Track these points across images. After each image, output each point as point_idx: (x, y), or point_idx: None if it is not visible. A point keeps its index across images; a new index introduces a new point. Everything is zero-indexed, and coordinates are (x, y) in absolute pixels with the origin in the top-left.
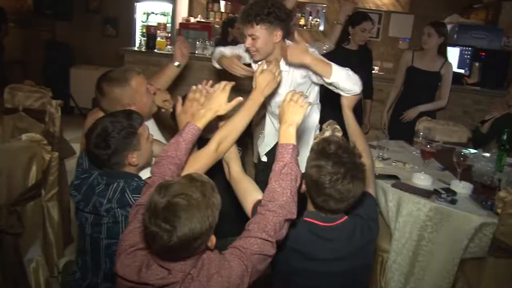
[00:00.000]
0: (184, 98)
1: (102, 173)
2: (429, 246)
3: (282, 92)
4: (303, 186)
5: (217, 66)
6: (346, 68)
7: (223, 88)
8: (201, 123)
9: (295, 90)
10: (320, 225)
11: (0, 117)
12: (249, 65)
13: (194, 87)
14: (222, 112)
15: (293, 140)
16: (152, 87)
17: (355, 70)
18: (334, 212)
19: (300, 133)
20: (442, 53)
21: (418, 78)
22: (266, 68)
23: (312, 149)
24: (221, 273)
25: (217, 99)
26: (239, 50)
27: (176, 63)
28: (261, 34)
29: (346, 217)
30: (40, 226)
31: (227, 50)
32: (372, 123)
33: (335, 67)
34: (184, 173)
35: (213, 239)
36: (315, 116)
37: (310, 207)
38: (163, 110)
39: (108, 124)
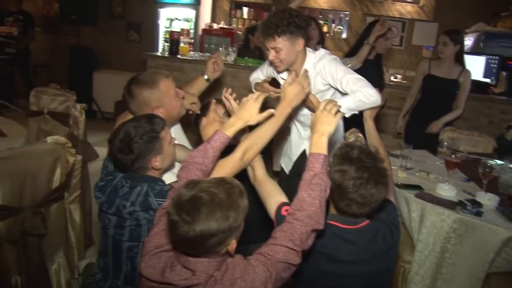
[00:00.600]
0: (203, 109)
1: (126, 176)
2: (453, 258)
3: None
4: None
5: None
6: (356, 91)
7: (256, 99)
8: (230, 131)
9: (328, 100)
10: (343, 228)
11: (25, 120)
12: (273, 80)
13: (214, 100)
14: (252, 122)
15: (324, 150)
16: (181, 91)
17: (374, 78)
18: (356, 216)
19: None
20: (460, 61)
21: (436, 86)
22: (295, 79)
23: (335, 154)
24: (244, 278)
25: (249, 109)
26: (268, 68)
27: (206, 77)
28: (284, 46)
29: (368, 220)
30: (63, 228)
31: (260, 74)
32: (391, 131)
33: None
34: None
35: (233, 244)
36: (340, 127)
37: (332, 210)
38: (190, 112)
39: (131, 129)
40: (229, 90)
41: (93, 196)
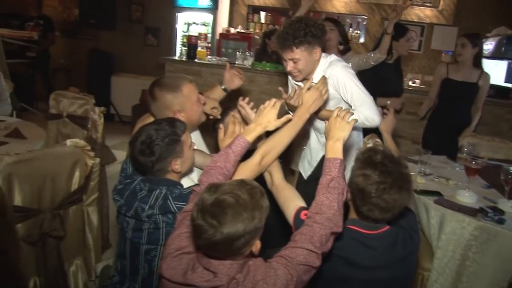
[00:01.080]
0: (222, 114)
1: (145, 179)
2: (474, 266)
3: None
4: (347, 195)
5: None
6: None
7: (273, 105)
8: (250, 136)
9: (341, 107)
10: (363, 233)
11: (45, 122)
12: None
13: (232, 113)
14: (271, 128)
15: (340, 155)
16: (202, 97)
17: (393, 82)
18: (377, 221)
19: (345, 151)
20: (478, 64)
21: (454, 90)
22: (313, 86)
23: (357, 159)
24: (266, 280)
25: (267, 115)
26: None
27: (223, 86)
28: (302, 56)
29: (388, 226)
30: (81, 230)
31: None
32: (409, 136)
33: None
34: None
35: (257, 244)
36: (355, 135)
37: (352, 215)
38: (211, 117)
39: (152, 132)
40: (246, 99)
41: (111, 199)
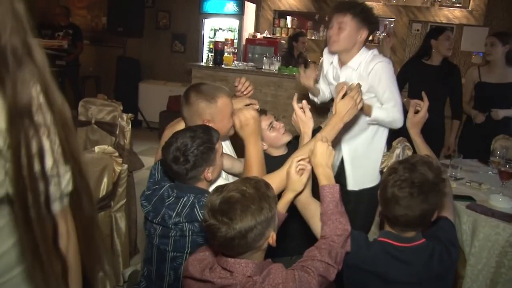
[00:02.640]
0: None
1: (173, 185)
2: (510, 274)
3: None
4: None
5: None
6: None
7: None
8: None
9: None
10: (395, 245)
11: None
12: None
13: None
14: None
15: (333, 181)
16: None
17: (435, 87)
18: (410, 227)
19: (368, 154)
20: (511, 62)
21: (490, 93)
22: (348, 94)
23: (390, 167)
24: (286, 285)
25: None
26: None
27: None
28: (349, 26)
29: (423, 239)
30: (109, 236)
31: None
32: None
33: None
34: None
35: (273, 236)
36: (380, 140)
37: (386, 227)
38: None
39: (188, 139)
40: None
41: (139, 205)
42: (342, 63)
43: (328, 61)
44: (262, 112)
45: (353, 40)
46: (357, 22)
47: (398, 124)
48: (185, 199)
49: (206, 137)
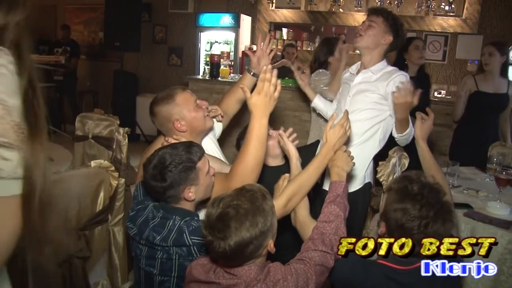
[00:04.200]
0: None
1: (157, 205)
2: (510, 281)
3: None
4: (382, 229)
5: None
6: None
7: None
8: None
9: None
10: (396, 269)
11: (73, 144)
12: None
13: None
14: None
15: (344, 179)
16: (204, 102)
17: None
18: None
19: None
20: (505, 74)
21: (486, 102)
22: (338, 122)
23: (390, 188)
24: (287, 278)
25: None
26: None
27: (252, 72)
28: (378, 26)
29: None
30: (107, 250)
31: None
32: (436, 148)
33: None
34: None
35: (271, 244)
36: (374, 148)
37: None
38: (217, 120)
39: (167, 156)
40: (290, 130)
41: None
42: (363, 67)
43: (345, 71)
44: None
45: (377, 40)
46: (386, 26)
47: (411, 136)
48: (171, 222)
49: (186, 155)
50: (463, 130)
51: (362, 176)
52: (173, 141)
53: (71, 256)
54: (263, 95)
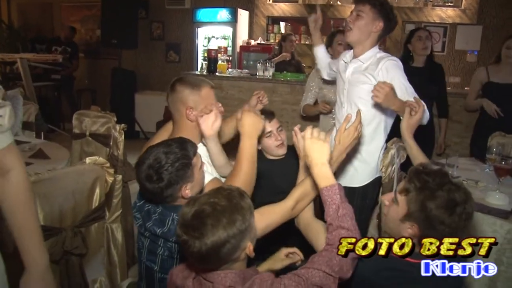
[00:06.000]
0: None
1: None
2: (509, 272)
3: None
4: (409, 230)
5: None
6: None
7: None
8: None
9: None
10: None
11: (71, 142)
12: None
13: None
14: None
15: (333, 180)
16: (221, 108)
17: (424, 87)
18: None
19: (365, 156)
20: None
21: (500, 93)
22: (352, 124)
23: (437, 197)
24: None
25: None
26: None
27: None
28: (367, 15)
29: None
30: (105, 247)
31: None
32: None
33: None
34: (257, 225)
35: (250, 247)
36: (381, 140)
37: None
38: None
39: (161, 155)
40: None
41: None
42: (354, 56)
43: (342, 57)
44: (269, 115)
45: (368, 30)
46: (374, 13)
47: (428, 115)
48: (169, 220)
49: (181, 152)
50: (482, 124)
51: (372, 169)
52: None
53: (67, 252)
54: (253, 114)
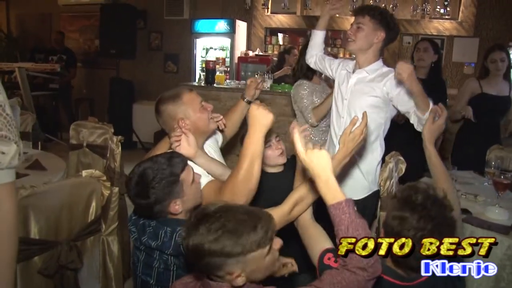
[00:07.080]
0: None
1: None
2: None
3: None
4: (381, 234)
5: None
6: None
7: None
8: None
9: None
10: (399, 285)
11: (68, 153)
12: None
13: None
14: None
15: (341, 196)
16: (209, 105)
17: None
18: (414, 270)
19: (363, 169)
20: (507, 77)
21: (490, 105)
22: (358, 126)
23: (394, 195)
24: None
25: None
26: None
27: (246, 99)
28: (367, 26)
29: (425, 277)
30: (101, 260)
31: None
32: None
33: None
34: None
35: (237, 278)
36: (379, 153)
37: (388, 261)
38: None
39: (148, 172)
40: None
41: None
42: (358, 66)
43: (343, 66)
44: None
45: (370, 40)
46: (374, 23)
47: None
48: (162, 233)
49: (168, 169)
50: (465, 133)
51: (371, 182)
52: (184, 130)
53: (63, 267)
54: (262, 107)
